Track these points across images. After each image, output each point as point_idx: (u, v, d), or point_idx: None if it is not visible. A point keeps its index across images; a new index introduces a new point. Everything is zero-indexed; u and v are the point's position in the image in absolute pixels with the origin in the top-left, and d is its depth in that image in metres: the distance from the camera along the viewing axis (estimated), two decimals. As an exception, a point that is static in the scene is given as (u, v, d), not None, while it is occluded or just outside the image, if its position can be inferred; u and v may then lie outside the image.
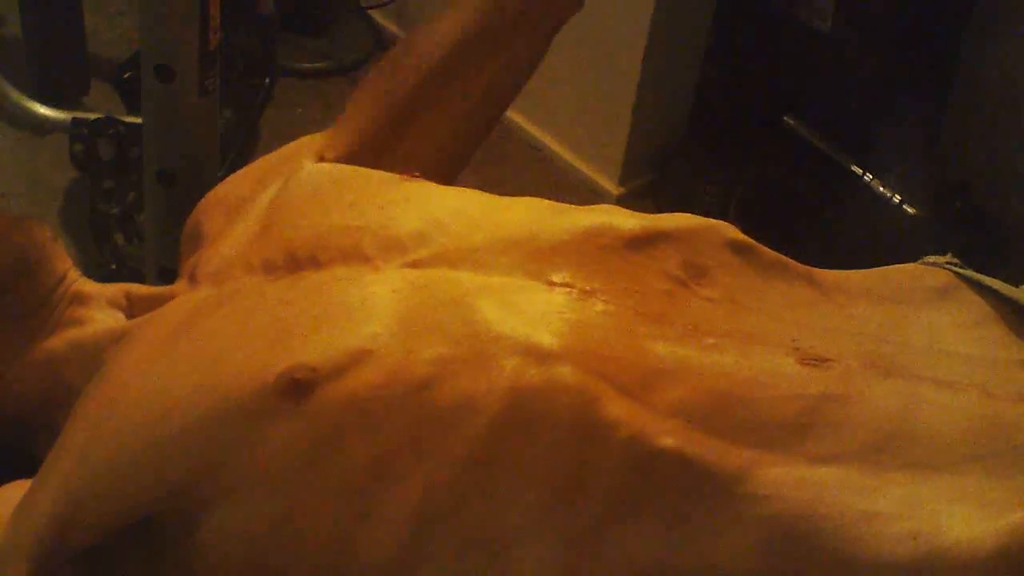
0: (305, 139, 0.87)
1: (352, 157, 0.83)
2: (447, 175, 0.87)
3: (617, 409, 0.59)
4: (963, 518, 0.58)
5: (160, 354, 0.67)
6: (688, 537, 0.59)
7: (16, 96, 1.67)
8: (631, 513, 0.59)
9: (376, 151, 0.84)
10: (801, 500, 0.59)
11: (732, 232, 0.70)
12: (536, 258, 0.66)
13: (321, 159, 0.83)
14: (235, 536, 0.61)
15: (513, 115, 2.03)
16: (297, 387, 0.60)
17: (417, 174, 0.79)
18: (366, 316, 0.62)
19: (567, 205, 0.72)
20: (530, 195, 0.75)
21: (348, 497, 0.59)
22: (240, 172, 0.87)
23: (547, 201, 0.73)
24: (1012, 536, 0.57)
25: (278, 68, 1.81)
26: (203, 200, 0.85)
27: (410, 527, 0.59)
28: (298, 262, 0.68)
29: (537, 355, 0.60)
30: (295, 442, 0.60)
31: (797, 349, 0.64)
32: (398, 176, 0.78)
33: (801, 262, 0.71)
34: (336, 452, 0.59)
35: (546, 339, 0.60)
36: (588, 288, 0.64)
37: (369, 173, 0.79)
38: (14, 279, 0.80)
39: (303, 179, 0.77)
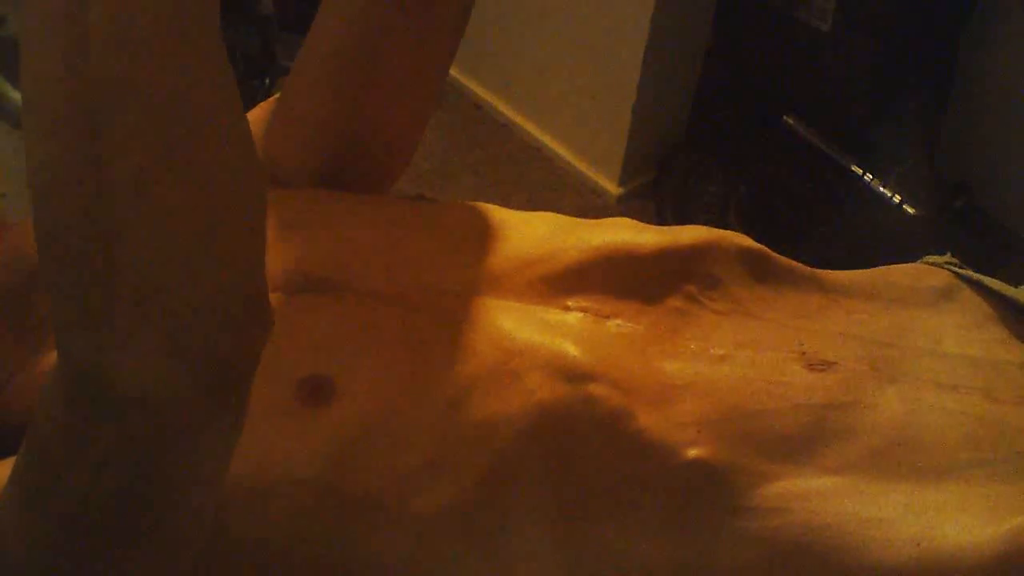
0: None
1: (306, 157, 0.77)
2: (416, 128, 0.82)
3: (645, 420, 0.59)
4: (966, 523, 0.58)
5: None
6: (697, 548, 0.59)
7: (16, 96, 1.67)
8: (642, 527, 0.59)
9: (330, 136, 0.76)
10: (807, 511, 0.59)
11: (744, 241, 0.70)
12: (551, 281, 0.66)
13: (274, 166, 0.77)
14: (246, 536, 0.61)
15: (513, 115, 2.03)
16: (318, 395, 0.60)
17: (423, 194, 0.79)
18: (387, 333, 0.63)
19: (581, 220, 0.72)
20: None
21: (363, 507, 0.59)
22: None
23: (561, 216, 0.73)
24: (1015, 541, 0.57)
25: (278, 68, 1.82)
26: None
27: (426, 539, 0.59)
28: (315, 284, 0.67)
29: (563, 369, 0.60)
30: (312, 448, 0.59)
31: (804, 354, 0.64)
32: (408, 199, 0.77)
33: (801, 262, 0.71)
34: (353, 463, 0.59)
35: (571, 351, 0.61)
36: (602, 311, 0.65)
37: (355, 197, 0.77)
38: (28, 291, 0.79)
39: (277, 205, 0.73)
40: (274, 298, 0.68)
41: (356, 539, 0.59)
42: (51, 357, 0.79)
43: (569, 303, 0.65)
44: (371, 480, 0.59)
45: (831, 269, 0.72)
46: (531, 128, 2.00)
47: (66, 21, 0.42)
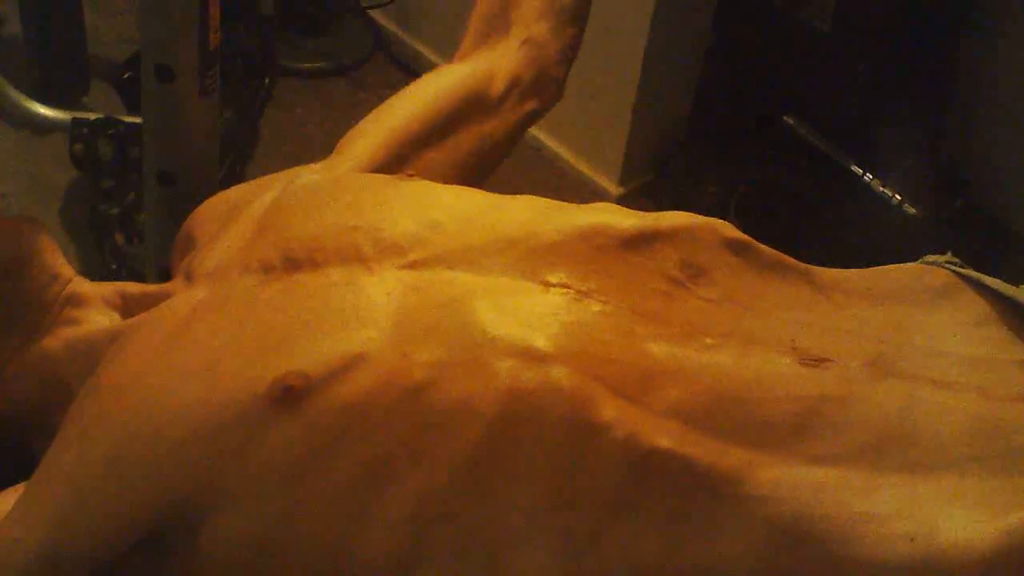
0: (299, 167, 0.88)
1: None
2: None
3: (612, 411, 0.59)
4: (961, 519, 0.58)
5: (154, 363, 0.66)
6: (686, 538, 0.59)
7: (16, 96, 1.67)
8: (629, 515, 0.59)
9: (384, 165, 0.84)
10: (799, 501, 0.59)
11: (730, 230, 0.69)
12: (532, 258, 0.66)
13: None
14: (236, 541, 0.61)
15: (513, 115, 2.03)
16: (290, 394, 0.59)
17: (412, 173, 0.79)
18: (360, 320, 0.62)
19: (565, 203, 0.72)
20: (530, 195, 0.75)
21: (345, 501, 0.59)
22: (234, 187, 0.87)
23: (545, 199, 0.73)
24: (1010, 537, 0.57)
25: (278, 68, 1.81)
26: (196, 210, 0.85)
27: (408, 530, 0.59)
28: (295, 263, 0.68)
29: (532, 357, 0.60)
30: (290, 448, 0.59)
31: (795, 349, 0.64)
32: (395, 176, 0.78)
33: (801, 262, 0.71)
34: (332, 457, 0.59)
35: (541, 341, 0.60)
36: (584, 289, 0.64)
37: (366, 175, 0.79)
38: (16, 280, 0.79)
39: (300, 184, 0.76)
40: (251, 283, 0.68)
41: (343, 533, 0.59)
42: (42, 345, 0.79)
43: (550, 278, 0.64)
44: (350, 471, 0.59)
45: (830, 268, 0.72)
46: (531, 128, 1.99)
47: None
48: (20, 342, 0.80)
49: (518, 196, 0.73)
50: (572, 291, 0.64)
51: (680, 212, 0.70)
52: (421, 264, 0.66)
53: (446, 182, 0.80)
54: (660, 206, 1.86)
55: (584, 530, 0.59)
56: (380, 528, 0.59)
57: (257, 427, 0.60)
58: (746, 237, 0.70)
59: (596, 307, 0.63)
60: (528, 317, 0.62)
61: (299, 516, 0.60)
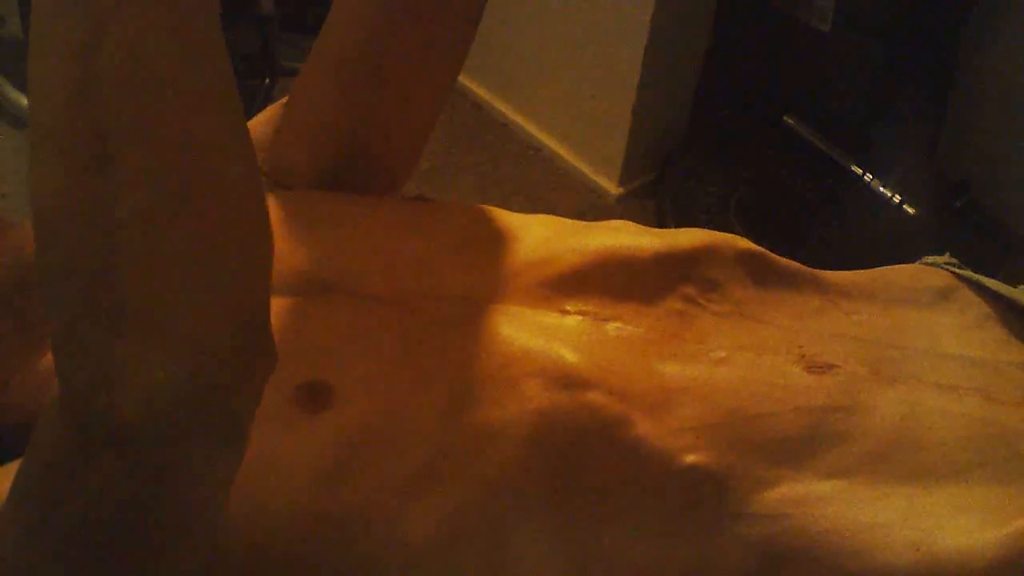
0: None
1: (313, 161, 0.76)
2: (421, 139, 0.80)
3: (642, 428, 0.59)
4: (965, 527, 0.59)
5: None
6: (698, 554, 0.59)
7: (16, 96, 1.68)
8: (649, 531, 0.59)
9: (338, 142, 0.75)
10: (806, 516, 0.59)
11: (743, 244, 0.70)
12: (549, 284, 0.66)
13: (279, 170, 0.77)
14: (243, 545, 0.60)
15: (513, 115, 2.03)
16: (316, 401, 0.59)
17: (419, 195, 0.78)
18: (386, 338, 0.62)
19: (579, 223, 0.72)
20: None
21: (368, 515, 0.59)
22: None
23: (559, 219, 0.72)
24: (1014, 545, 0.57)
25: (278, 68, 1.82)
26: None
27: (421, 550, 0.58)
28: (310, 286, 0.67)
29: (560, 376, 0.60)
30: (309, 455, 0.59)
31: (803, 356, 0.64)
32: (404, 200, 0.77)
33: (801, 262, 0.71)
34: (350, 471, 0.59)
35: (568, 357, 0.61)
36: (601, 315, 0.64)
37: (356, 199, 0.77)
38: (15, 289, 0.79)
39: (274, 207, 0.73)
40: (272, 302, 0.68)
41: (351, 549, 0.59)
42: (50, 356, 0.79)
43: (568, 307, 0.65)
44: (367, 488, 0.58)
45: (831, 269, 0.72)
46: (531, 128, 2.00)
47: (78, 58, 0.42)
48: (28, 352, 0.79)
49: (532, 216, 0.72)
50: (589, 317, 0.64)
51: (694, 229, 0.70)
52: (436, 292, 0.65)
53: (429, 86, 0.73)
54: (660, 206, 1.86)
55: (599, 552, 0.59)
56: (393, 547, 0.58)
57: (277, 426, 0.59)
58: (759, 248, 0.70)
59: (612, 332, 0.63)
60: (550, 338, 0.62)
61: (308, 527, 0.59)
